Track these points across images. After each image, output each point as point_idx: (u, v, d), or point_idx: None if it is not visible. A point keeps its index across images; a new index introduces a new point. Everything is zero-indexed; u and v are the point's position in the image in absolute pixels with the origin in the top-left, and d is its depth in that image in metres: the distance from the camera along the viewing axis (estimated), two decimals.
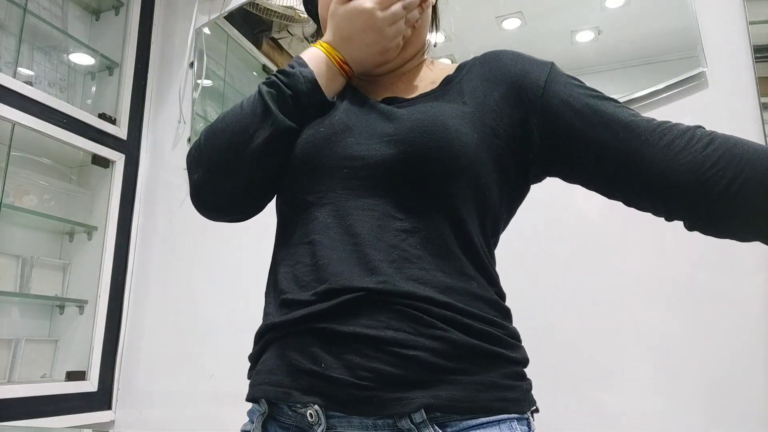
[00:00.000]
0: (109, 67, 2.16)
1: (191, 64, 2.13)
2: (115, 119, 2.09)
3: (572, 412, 1.26)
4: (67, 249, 2.05)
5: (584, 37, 1.48)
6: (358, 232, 0.55)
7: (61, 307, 1.98)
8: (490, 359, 0.53)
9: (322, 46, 0.65)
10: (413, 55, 0.70)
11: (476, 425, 0.50)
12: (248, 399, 0.59)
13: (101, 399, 1.91)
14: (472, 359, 0.52)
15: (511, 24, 1.56)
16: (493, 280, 0.59)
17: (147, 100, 2.21)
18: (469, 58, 0.67)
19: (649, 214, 0.59)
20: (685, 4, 1.31)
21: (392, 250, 0.54)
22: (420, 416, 0.49)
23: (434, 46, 0.76)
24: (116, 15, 2.21)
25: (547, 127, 0.59)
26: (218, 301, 1.81)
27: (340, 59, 0.64)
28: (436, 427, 0.50)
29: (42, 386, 1.75)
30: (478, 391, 0.51)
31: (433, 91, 0.64)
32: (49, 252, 2.01)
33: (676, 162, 0.53)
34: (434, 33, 0.76)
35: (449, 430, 0.50)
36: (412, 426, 0.49)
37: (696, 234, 0.57)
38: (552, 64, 0.62)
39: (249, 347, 0.61)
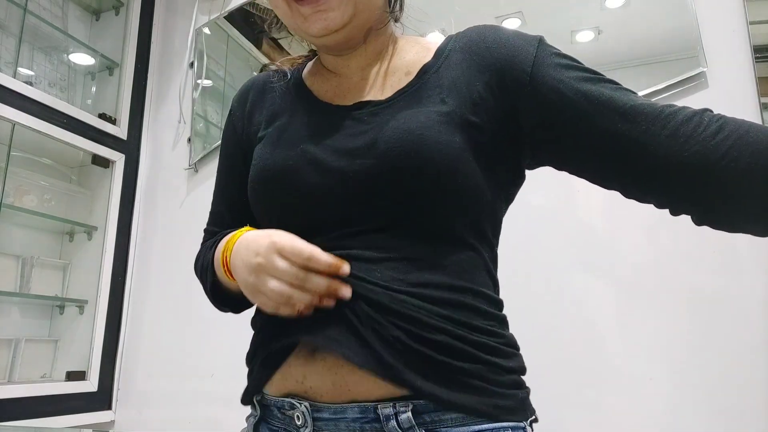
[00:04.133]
0: (109, 67, 2.16)
1: (191, 64, 2.13)
2: (115, 119, 2.10)
3: (572, 413, 1.25)
4: (67, 249, 2.05)
5: (584, 37, 1.48)
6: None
7: (61, 307, 1.98)
8: (484, 366, 0.51)
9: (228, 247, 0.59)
10: (368, 21, 0.59)
11: None
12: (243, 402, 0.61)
13: (101, 399, 1.91)
14: (466, 361, 0.50)
15: (511, 24, 1.55)
16: (489, 286, 0.56)
17: (147, 100, 2.21)
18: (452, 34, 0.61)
19: (647, 215, 0.58)
20: (685, 4, 1.30)
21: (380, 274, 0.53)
22: (408, 422, 0.48)
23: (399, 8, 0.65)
24: (116, 15, 2.21)
25: (535, 116, 0.54)
26: None
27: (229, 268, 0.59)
28: None
29: (42, 386, 1.75)
30: (469, 393, 0.49)
31: (409, 85, 0.57)
32: (49, 252, 2.01)
33: (681, 154, 0.48)
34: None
35: None
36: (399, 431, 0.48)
37: (695, 235, 0.56)
38: (539, 40, 0.56)
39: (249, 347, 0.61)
